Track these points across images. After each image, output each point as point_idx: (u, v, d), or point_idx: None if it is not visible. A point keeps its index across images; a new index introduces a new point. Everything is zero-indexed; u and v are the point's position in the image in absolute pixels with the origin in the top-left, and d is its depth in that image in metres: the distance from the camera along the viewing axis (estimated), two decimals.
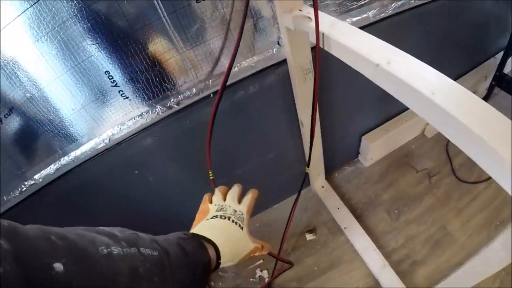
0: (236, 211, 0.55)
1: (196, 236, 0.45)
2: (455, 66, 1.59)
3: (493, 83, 1.56)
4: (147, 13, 0.72)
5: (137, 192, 1.10)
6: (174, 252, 0.36)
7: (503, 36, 1.64)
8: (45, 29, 0.68)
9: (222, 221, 0.51)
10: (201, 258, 0.41)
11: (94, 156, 0.93)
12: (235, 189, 0.62)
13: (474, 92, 0.43)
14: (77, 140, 0.89)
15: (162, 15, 0.74)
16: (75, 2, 0.65)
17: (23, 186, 0.92)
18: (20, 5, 0.64)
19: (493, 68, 1.61)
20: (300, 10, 0.75)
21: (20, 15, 0.65)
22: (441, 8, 1.14)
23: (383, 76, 0.50)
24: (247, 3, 0.72)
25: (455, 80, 1.72)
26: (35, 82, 0.75)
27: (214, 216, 0.52)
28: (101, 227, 0.34)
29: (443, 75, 0.48)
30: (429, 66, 0.49)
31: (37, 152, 0.89)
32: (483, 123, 0.40)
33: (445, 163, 1.55)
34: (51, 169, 0.91)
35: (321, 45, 0.66)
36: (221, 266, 0.46)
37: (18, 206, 0.95)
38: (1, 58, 0.70)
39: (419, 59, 0.50)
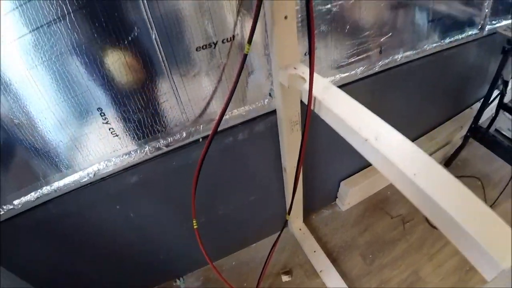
0: None
1: None
2: (434, 117, 1.68)
3: (468, 134, 1.60)
4: (148, 54, 0.73)
5: (116, 225, 1.07)
6: None
7: (480, 88, 1.74)
8: (41, 58, 0.66)
9: None
10: None
11: (76, 189, 0.90)
12: None
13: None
14: (61, 171, 0.86)
15: (161, 58, 0.74)
16: (75, 35, 0.65)
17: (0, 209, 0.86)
18: (19, 29, 0.62)
19: (468, 117, 1.66)
20: (295, 68, 0.78)
21: (18, 39, 0.63)
22: (425, 64, 1.22)
23: (370, 151, 0.54)
24: (244, 59, 0.74)
25: (433, 129, 1.72)
26: (25, 109, 0.72)
27: None
28: None
29: (429, 157, 0.51)
30: (415, 146, 0.53)
31: (19, 177, 0.84)
32: (466, 213, 0.44)
33: (418, 210, 1.59)
34: (31, 196, 0.87)
35: (312, 108, 0.70)
36: None
37: None
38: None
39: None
